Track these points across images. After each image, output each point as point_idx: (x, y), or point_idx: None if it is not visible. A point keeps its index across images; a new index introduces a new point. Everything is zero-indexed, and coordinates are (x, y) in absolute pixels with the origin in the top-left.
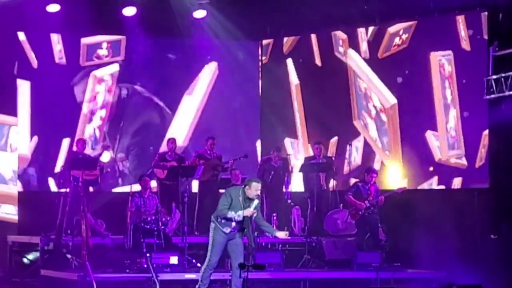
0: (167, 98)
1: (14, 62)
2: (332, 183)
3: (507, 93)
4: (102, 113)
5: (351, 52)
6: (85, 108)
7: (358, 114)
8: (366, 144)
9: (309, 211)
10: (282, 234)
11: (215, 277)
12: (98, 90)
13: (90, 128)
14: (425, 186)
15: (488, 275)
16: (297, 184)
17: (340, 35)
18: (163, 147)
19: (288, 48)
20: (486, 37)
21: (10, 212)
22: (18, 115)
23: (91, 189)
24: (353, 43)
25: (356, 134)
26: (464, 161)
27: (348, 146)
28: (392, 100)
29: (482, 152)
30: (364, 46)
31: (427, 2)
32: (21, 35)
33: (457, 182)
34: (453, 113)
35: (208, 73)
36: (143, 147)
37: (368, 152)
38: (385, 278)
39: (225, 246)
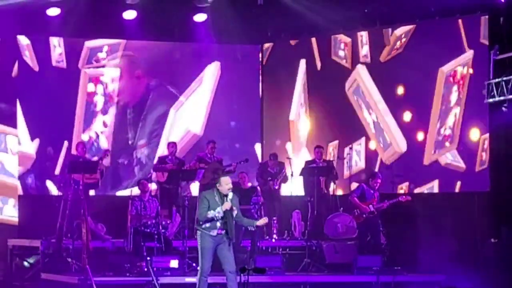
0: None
1: (14, 65)
2: (332, 186)
3: (508, 96)
4: (102, 117)
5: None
6: (83, 110)
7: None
8: (368, 148)
9: (309, 215)
10: (261, 222)
11: (215, 280)
12: (97, 92)
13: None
14: (424, 189)
15: (488, 279)
16: (297, 188)
17: (343, 38)
18: (164, 151)
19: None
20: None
21: (11, 215)
22: (19, 117)
23: (92, 192)
24: (354, 47)
25: (357, 137)
26: (462, 164)
27: (348, 149)
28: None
29: (483, 155)
30: (364, 50)
31: (427, 6)
32: (22, 39)
33: (457, 186)
34: (456, 111)
35: (208, 78)
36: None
37: (370, 156)
38: (386, 282)
39: (214, 252)
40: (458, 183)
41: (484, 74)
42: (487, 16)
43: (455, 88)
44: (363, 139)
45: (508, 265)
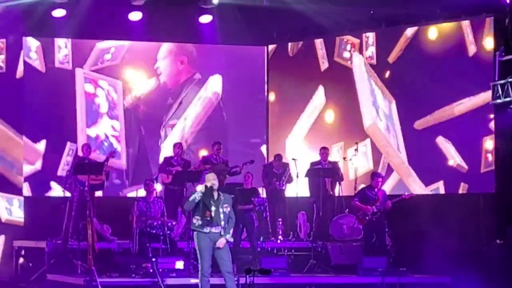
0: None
1: (20, 66)
2: (337, 188)
3: None
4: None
5: (356, 57)
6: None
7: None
8: (374, 148)
9: (314, 216)
10: (221, 241)
11: (219, 281)
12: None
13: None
14: (429, 191)
15: (494, 280)
16: (302, 189)
17: (350, 39)
18: (169, 152)
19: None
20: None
21: (17, 215)
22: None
23: (100, 193)
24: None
25: (363, 138)
26: (464, 165)
27: (354, 151)
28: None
29: (488, 156)
30: (369, 52)
31: (433, 7)
32: (30, 40)
33: (462, 187)
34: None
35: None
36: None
37: (377, 156)
38: (391, 283)
39: (213, 252)
40: (463, 185)
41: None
42: (492, 18)
43: None
44: (368, 140)
45: None
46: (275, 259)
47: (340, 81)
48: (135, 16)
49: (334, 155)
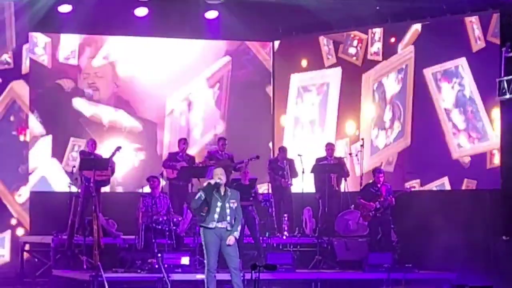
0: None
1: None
2: (343, 184)
3: None
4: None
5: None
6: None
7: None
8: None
9: (320, 212)
10: (230, 238)
11: (224, 277)
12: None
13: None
14: (433, 186)
15: (500, 276)
16: (308, 185)
17: (357, 35)
18: (175, 147)
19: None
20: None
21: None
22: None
23: (107, 189)
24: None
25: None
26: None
27: (360, 146)
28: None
29: (493, 153)
30: (375, 48)
31: (439, 3)
32: (34, 35)
33: (466, 183)
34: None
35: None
36: None
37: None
38: (397, 279)
39: (219, 247)
40: (469, 180)
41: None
42: (498, 14)
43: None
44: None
45: None
46: (281, 255)
47: (345, 77)
48: (141, 11)
49: (340, 151)
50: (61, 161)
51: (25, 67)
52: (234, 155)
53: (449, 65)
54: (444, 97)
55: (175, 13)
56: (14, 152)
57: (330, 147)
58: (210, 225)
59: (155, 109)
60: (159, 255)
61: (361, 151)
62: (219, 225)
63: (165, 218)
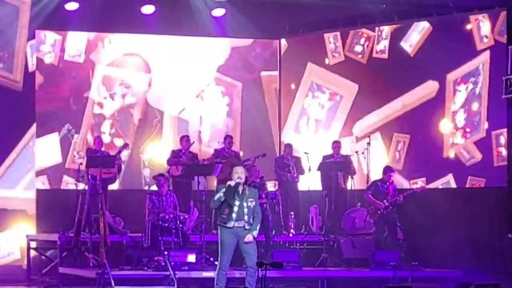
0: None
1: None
2: (350, 181)
3: None
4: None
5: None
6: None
7: None
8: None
9: (326, 210)
10: (248, 236)
11: (232, 275)
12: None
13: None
14: (439, 184)
15: (505, 275)
16: (315, 182)
17: (365, 32)
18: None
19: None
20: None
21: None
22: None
23: (115, 186)
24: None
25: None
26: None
27: (366, 144)
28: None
29: (500, 151)
30: (381, 45)
31: (446, 1)
32: (40, 33)
33: (473, 181)
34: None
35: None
36: None
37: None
38: (403, 277)
39: (236, 246)
40: (473, 178)
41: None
42: (505, 12)
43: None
44: (379, 133)
45: None
46: (287, 253)
47: (350, 75)
48: (147, 9)
49: (346, 149)
50: (66, 159)
51: (32, 65)
52: (240, 153)
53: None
54: (456, 99)
55: (181, 11)
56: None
57: (336, 145)
58: (228, 224)
59: (164, 107)
60: (166, 252)
61: (367, 149)
62: (237, 224)
63: (171, 216)
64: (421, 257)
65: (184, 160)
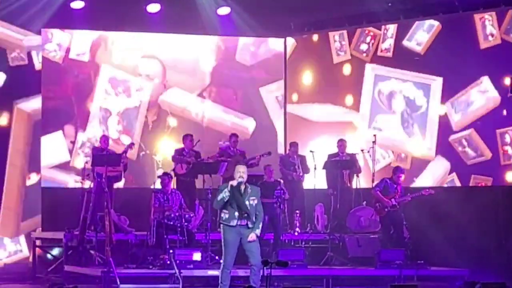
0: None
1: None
2: (355, 180)
3: None
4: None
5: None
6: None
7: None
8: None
9: (332, 208)
10: (251, 235)
11: (236, 274)
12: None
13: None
14: (444, 183)
15: None
16: (320, 181)
17: (372, 30)
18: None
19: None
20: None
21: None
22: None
23: (121, 184)
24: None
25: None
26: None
27: (372, 143)
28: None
29: (506, 149)
30: (387, 44)
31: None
32: (47, 32)
33: (480, 180)
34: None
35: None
36: None
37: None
38: (409, 276)
39: (239, 245)
40: (476, 176)
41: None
42: None
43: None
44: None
45: None
46: (293, 251)
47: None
48: (153, 8)
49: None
50: (71, 157)
51: (38, 63)
52: (246, 152)
53: None
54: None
55: (187, 9)
56: None
57: (342, 143)
58: (231, 223)
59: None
60: (171, 251)
61: (373, 147)
62: (240, 222)
63: (177, 214)
64: (427, 255)
65: (190, 159)
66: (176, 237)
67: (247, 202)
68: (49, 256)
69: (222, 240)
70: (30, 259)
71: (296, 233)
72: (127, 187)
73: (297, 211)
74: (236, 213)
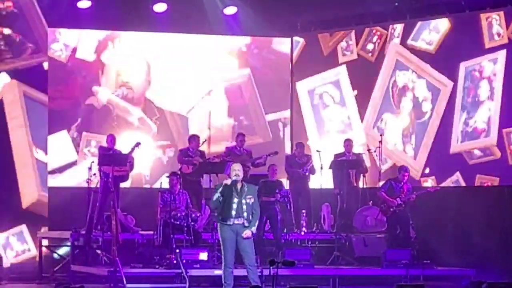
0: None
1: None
2: (361, 180)
3: None
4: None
5: (394, 44)
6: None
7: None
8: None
9: (338, 208)
10: (246, 232)
11: (242, 273)
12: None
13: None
14: (450, 183)
15: None
16: (326, 181)
17: (379, 30)
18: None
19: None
20: None
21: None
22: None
23: (128, 184)
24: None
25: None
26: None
27: (378, 142)
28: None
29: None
30: (393, 44)
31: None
32: (53, 31)
33: (485, 180)
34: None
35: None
36: None
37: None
38: (415, 275)
39: (236, 243)
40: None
41: None
42: None
43: (484, 83)
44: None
45: None
46: (299, 251)
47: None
48: (159, 7)
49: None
50: (78, 156)
51: (46, 63)
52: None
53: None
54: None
55: (194, 9)
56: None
57: (348, 143)
58: (228, 222)
59: (176, 106)
60: (177, 250)
61: (379, 147)
62: (236, 221)
63: (183, 213)
64: (433, 255)
65: (196, 159)
66: (183, 237)
67: (243, 201)
68: (55, 255)
69: (220, 239)
70: (37, 259)
71: (302, 233)
72: (134, 186)
73: (304, 211)
74: (233, 212)
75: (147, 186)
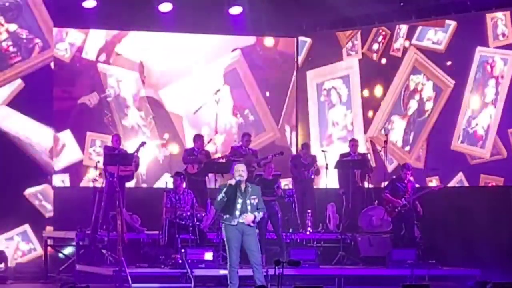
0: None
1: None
2: (367, 180)
3: None
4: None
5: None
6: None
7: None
8: None
9: (344, 208)
10: (248, 216)
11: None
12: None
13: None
14: (455, 183)
15: None
16: (332, 180)
17: (384, 30)
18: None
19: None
20: None
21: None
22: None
23: (132, 183)
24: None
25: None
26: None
27: (383, 142)
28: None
29: None
30: (397, 44)
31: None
32: (58, 31)
33: (489, 179)
34: (490, 111)
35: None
36: None
37: None
38: (420, 275)
39: (241, 243)
40: (486, 176)
41: None
42: None
43: (492, 82)
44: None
45: None
46: (304, 251)
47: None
48: (165, 7)
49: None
50: (83, 156)
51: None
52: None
53: None
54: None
55: (199, 8)
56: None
57: (353, 143)
58: (232, 222)
59: (182, 106)
60: (183, 250)
61: (385, 147)
62: (241, 221)
63: (188, 213)
64: (438, 255)
65: (200, 158)
66: (188, 237)
67: (247, 201)
68: (61, 255)
69: (225, 239)
70: (43, 258)
71: (307, 233)
72: (139, 186)
73: (309, 211)
74: (237, 212)
75: (144, 185)
